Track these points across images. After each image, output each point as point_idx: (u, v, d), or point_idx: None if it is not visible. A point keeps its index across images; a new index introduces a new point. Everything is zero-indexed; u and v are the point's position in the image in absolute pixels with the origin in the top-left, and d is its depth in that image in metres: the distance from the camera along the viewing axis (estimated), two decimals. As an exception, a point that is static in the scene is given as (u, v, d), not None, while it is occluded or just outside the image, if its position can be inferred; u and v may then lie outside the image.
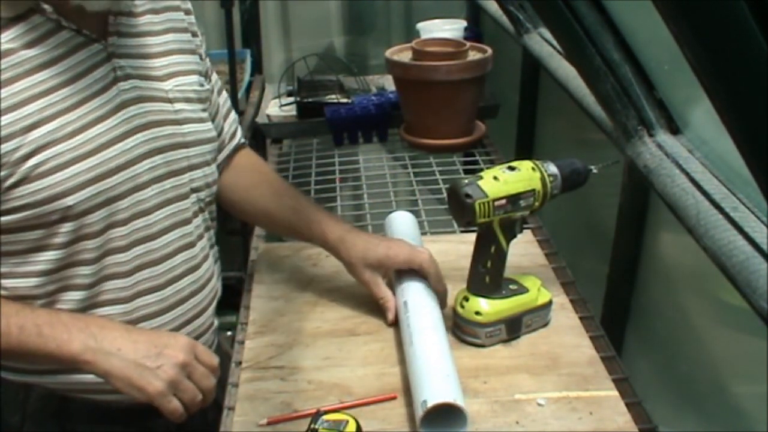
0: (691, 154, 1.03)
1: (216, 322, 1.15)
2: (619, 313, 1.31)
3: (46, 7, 0.87)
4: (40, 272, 0.92)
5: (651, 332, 1.28)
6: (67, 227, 0.90)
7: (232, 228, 2.57)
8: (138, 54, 0.96)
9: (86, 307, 0.95)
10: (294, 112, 1.86)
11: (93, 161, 0.89)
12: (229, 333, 2.37)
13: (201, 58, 1.09)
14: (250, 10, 2.40)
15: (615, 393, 0.95)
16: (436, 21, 1.97)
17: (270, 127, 1.88)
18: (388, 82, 1.95)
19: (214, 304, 1.13)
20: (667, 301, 1.22)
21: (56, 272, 0.92)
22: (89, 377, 0.95)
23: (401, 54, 1.70)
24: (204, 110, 1.06)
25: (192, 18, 1.08)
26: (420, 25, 1.95)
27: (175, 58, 1.01)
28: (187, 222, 1.02)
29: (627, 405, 0.93)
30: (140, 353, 0.86)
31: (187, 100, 1.01)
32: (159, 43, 1.00)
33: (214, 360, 0.90)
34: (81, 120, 0.89)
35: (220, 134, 1.13)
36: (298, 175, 1.69)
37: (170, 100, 0.98)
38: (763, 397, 0.89)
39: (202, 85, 1.06)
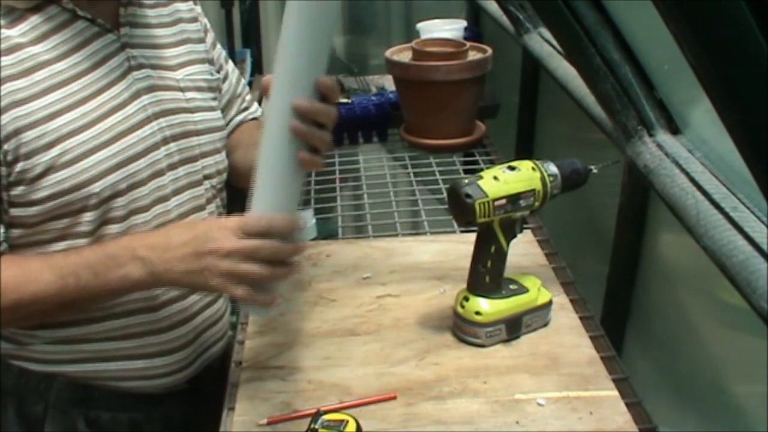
0: (691, 154, 1.03)
1: (229, 306, 1.16)
2: (619, 313, 1.31)
3: None
4: None
5: (651, 332, 1.28)
6: (91, 215, 0.91)
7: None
8: (149, 44, 0.98)
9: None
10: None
11: (115, 148, 0.91)
12: (229, 333, 2.39)
13: (211, 46, 1.11)
14: (250, 10, 2.40)
15: (615, 393, 0.95)
16: (436, 21, 1.97)
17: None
18: (388, 82, 1.95)
19: None
20: (667, 301, 1.22)
21: None
22: (112, 365, 0.98)
23: (401, 54, 1.70)
24: (214, 99, 1.07)
25: (199, 8, 1.10)
26: (420, 25, 1.95)
27: (185, 48, 1.03)
28: (201, 208, 1.03)
29: (627, 405, 0.93)
30: (188, 260, 0.83)
31: (198, 89, 1.02)
32: (169, 34, 1.01)
33: (262, 224, 0.82)
34: (100, 108, 0.90)
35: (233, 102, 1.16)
36: (298, 175, 1.69)
37: (182, 89, 1.00)
38: (763, 397, 0.89)
39: (212, 74, 1.07)
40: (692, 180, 0.96)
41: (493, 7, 1.94)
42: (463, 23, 2.00)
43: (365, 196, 1.59)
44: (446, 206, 1.04)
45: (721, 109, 0.53)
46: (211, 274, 0.82)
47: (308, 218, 1.45)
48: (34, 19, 0.87)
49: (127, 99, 0.93)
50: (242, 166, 1.08)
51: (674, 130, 1.09)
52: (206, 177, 1.04)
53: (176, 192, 0.99)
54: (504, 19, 1.84)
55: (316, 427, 0.85)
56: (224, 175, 1.10)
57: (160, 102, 0.97)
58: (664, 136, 1.09)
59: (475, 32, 2.16)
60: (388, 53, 1.69)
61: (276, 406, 0.94)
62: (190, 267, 0.83)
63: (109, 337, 0.98)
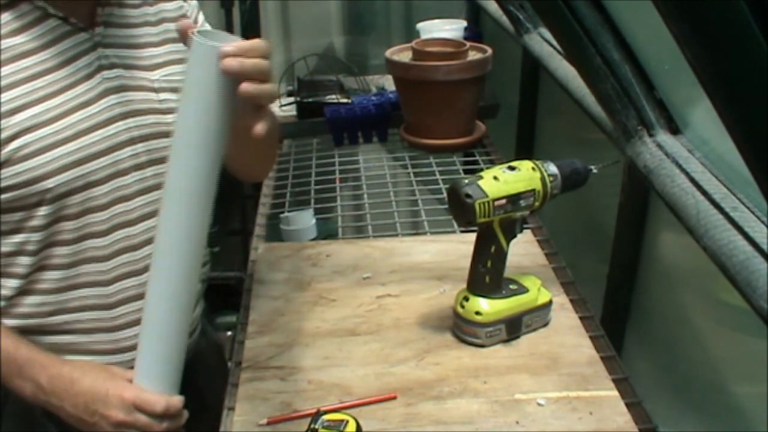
0: (691, 154, 1.03)
1: (199, 309, 1.15)
2: (619, 313, 1.31)
3: None
4: (19, 252, 0.94)
5: (651, 332, 1.28)
6: (45, 210, 0.92)
7: (232, 228, 2.58)
8: (126, 44, 0.98)
9: (65, 288, 0.96)
10: (294, 112, 1.86)
11: (74, 146, 0.91)
12: (229, 333, 2.39)
13: None
14: (250, 10, 2.40)
15: (615, 393, 0.95)
16: (436, 21, 1.97)
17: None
18: (388, 82, 1.95)
19: (199, 288, 1.12)
20: (667, 301, 1.22)
21: (35, 254, 0.94)
22: (66, 358, 0.97)
23: (401, 54, 1.70)
24: None
25: (189, 5, 1.08)
26: (420, 25, 1.95)
27: (166, 48, 1.02)
28: None
29: (627, 405, 0.93)
30: (80, 409, 0.89)
31: (174, 90, 1.01)
32: (152, 34, 1.01)
33: (159, 407, 0.87)
34: (64, 105, 0.91)
35: None
36: (298, 175, 1.69)
37: (155, 90, 0.99)
38: (763, 397, 0.89)
39: None
40: (692, 180, 0.96)
41: (493, 7, 1.94)
42: (463, 23, 2.00)
43: (365, 196, 1.59)
44: (446, 206, 1.04)
45: (721, 109, 0.53)
46: (95, 430, 0.88)
47: (308, 218, 1.45)
48: (5, 16, 0.88)
49: (93, 98, 0.93)
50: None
51: (674, 130, 1.09)
52: None
53: (141, 192, 0.98)
54: (504, 19, 1.84)
55: (316, 427, 0.85)
56: None
57: (130, 102, 0.96)
58: (664, 136, 1.09)
59: (475, 32, 2.16)
60: (388, 53, 1.69)
61: (276, 406, 0.94)
62: (81, 416, 0.89)
63: (63, 330, 0.98)
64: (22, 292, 0.95)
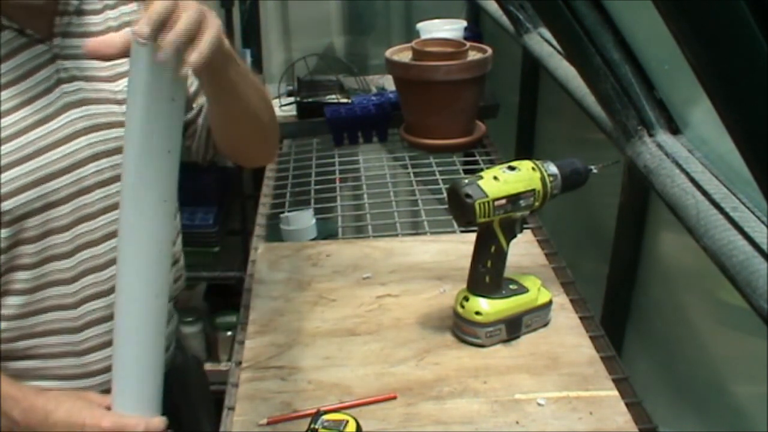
0: (691, 154, 1.03)
1: (172, 326, 1.11)
2: (619, 313, 1.31)
3: None
4: None
5: (651, 332, 1.28)
6: (3, 233, 0.87)
7: (232, 228, 2.58)
8: (85, 54, 0.92)
9: (29, 313, 0.92)
10: (294, 112, 1.86)
11: (33, 164, 0.87)
12: (229, 333, 2.39)
13: None
14: (250, 10, 2.40)
15: (615, 393, 0.95)
16: (436, 21, 1.96)
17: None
18: (388, 82, 1.94)
19: (171, 308, 1.08)
20: (667, 301, 1.22)
21: None
22: (33, 384, 0.94)
23: (401, 54, 1.70)
24: None
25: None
26: (420, 25, 1.94)
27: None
28: None
29: (627, 405, 0.93)
30: None
31: None
32: None
33: (139, 430, 0.83)
34: (21, 123, 0.87)
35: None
36: (298, 175, 1.69)
37: (119, 102, 0.93)
38: (763, 397, 0.89)
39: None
40: (692, 180, 0.96)
41: (493, 7, 1.94)
42: (463, 23, 2.00)
43: (365, 196, 1.59)
44: (446, 206, 1.04)
45: (721, 109, 0.53)
46: None
47: (308, 218, 1.45)
48: None
49: (53, 113, 0.89)
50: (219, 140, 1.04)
51: (674, 130, 1.09)
52: None
53: (106, 210, 0.94)
54: (504, 19, 1.84)
55: (316, 427, 0.85)
56: None
57: (92, 116, 0.92)
58: (664, 136, 1.09)
59: (475, 32, 2.16)
60: (388, 53, 1.69)
61: (276, 406, 0.94)
62: None
63: (29, 356, 0.94)
64: None
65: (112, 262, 0.93)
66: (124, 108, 0.91)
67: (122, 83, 0.94)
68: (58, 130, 0.89)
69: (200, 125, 1.07)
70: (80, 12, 0.92)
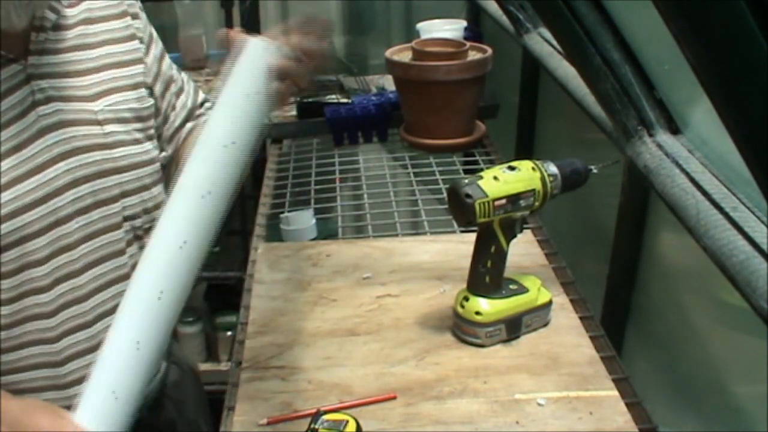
0: (691, 154, 1.03)
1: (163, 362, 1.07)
2: (619, 313, 1.31)
3: None
4: None
5: (651, 332, 1.28)
6: None
7: (232, 228, 2.58)
8: (63, 72, 0.87)
9: (8, 348, 0.88)
10: (294, 112, 1.86)
11: (6, 196, 0.82)
12: (229, 333, 2.39)
13: (154, 62, 0.99)
14: (250, 10, 2.40)
15: (615, 393, 0.95)
16: (436, 21, 1.96)
17: (270, 127, 1.88)
18: (388, 82, 1.94)
19: None
20: (667, 301, 1.22)
21: None
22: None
23: (401, 54, 1.70)
24: (144, 129, 0.95)
25: (140, 23, 0.98)
26: (420, 25, 1.94)
27: (110, 73, 0.92)
28: (120, 253, 0.93)
29: (627, 405, 0.93)
30: None
31: (120, 121, 0.91)
32: (91, 58, 0.90)
33: None
34: None
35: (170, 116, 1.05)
36: (298, 175, 1.69)
37: (99, 122, 0.89)
38: (763, 397, 0.89)
39: (142, 102, 0.95)
40: (692, 180, 0.96)
41: (493, 7, 1.94)
42: (463, 23, 2.00)
43: (365, 196, 1.59)
44: (446, 206, 1.04)
45: (721, 109, 0.53)
46: None
47: (308, 218, 1.45)
48: None
49: (28, 139, 0.83)
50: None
51: (674, 130, 1.09)
52: (127, 218, 0.93)
53: (85, 239, 0.89)
54: (504, 19, 1.84)
55: (316, 427, 0.85)
56: (154, 213, 0.95)
57: (71, 139, 0.86)
58: (664, 136, 1.09)
59: (475, 32, 2.16)
60: (388, 53, 1.69)
61: (276, 406, 0.94)
62: None
63: (10, 391, 0.85)
64: None
65: (96, 291, 0.91)
66: (105, 128, 0.88)
67: (102, 102, 0.90)
68: (33, 157, 0.84)
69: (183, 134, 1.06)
70: (57, 27, 0.87)
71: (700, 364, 1.13)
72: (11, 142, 0.82)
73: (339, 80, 2.00)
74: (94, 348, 0.90)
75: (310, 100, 1.85)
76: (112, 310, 0.84)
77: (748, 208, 0.88)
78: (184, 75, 1.09)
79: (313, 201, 1.56)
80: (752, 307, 0.77)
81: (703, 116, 1.03)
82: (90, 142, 0.88)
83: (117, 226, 0.92)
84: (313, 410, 0.89)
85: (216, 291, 2.52)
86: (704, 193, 0.93)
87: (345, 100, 1.85)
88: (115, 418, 0.73)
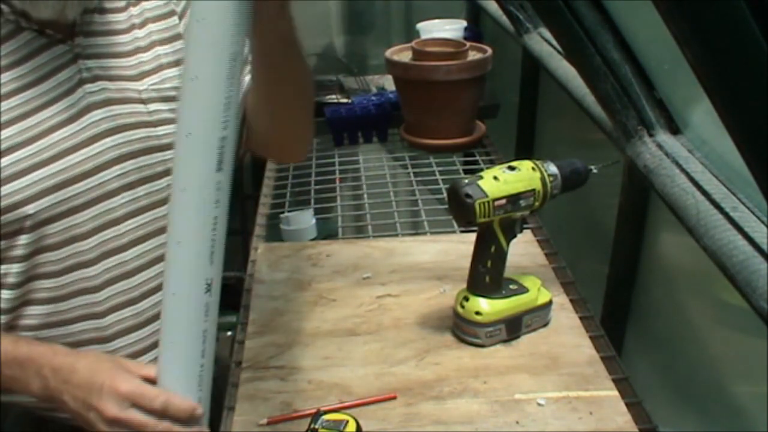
0: (691, 154, 1.03)
1: None
2: (619, 313, 1.31)
3: (2, 7, 0.82)
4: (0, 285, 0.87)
5: (651, 332, 1.28)
6: (26, 239, 0.85)
7: (232, 228, 2.58)
8: (109, 53, 0.91)
9: (54, 323, 0.91)
10: (294, 112, 1.86)
11: (55, 167, 0.85)
12: (229, 333, 2.39)
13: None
14: (250, 10, 2.40)
15: (615, 393, 0.95)
16: (436, 21, 1.97)
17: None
18: (388, 82, 1.94)
19: None
20: (667, 301, 1.22)
21: (18, 286, 0.88)
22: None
23: (401, 54, 1.70)
24: None
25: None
26: (420, 25, 1.95)
27: (153, 52, 0.94)
28: (164, 230, 0.93)
29: (627, 405, 0.93)
30: (78, 402, 0.80)
31: (165, 99, 0.94)
32: (136, 39, 0.93)
33: (156, 403, 0.76)
34: (42, 124, 0.85)
35: None
36: (298, 175, 1.69)
37: (143, 101, 0.92)
38: (763, 397, 0.89)
39: None
40: (692, 180, 0.96)
41: (493, 7, 1.94)
42: (463, 23, 2.00)
43: (365, 196, 1.59)
44: (446, 206, 1.04)
45: (721, 109, 0.53)
46: (94, 428, 0.78)
47: (308, 218, 1.45)
48: None
49: (75, 114, 0.87)
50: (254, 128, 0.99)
51: (674, 130, 1.09)
52: None
53: (131, 214, 0.92)
54: (504, 19, 1.84)
55: (316, 427, 0.85)
56: None
57: (116, 117, 0.90)
58: (664, 136, 1.09)
59: (475, 32, 2.16)
60: (388, 53, 1.69)
61: (276, 406, 0.94)
62: (78, 410, 0.79)
63: None
64: (6, 328, 0.89)
65: (142, 268, 0.94)
66: (149, 107, 0.92)
67: (147, 82, 0.93)
68: (81, 131, 0.87)
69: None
70: (102, 10, 0.91)
71: (700, 364, 1.13)
72: (61, 116, 0.86)
73: (339, 80, 2.00)
74: (141, 325, 0.95)
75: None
76: (159, 288, 0.86)
77: (748, 208, 0.88)
78: None
79: (313, 201, 1.56)
80: (752, 307, 0.77)
81: (703, 116, 1.03)
82: (134, 120, 0.91)
83: (162, 203, 0.93)
84: (313, 410, 0.89)
85: (216, 291, 2.52)
86: (704, 193, 0.93)
87: (345, 100, 1.85)
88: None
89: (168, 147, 0.93)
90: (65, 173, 0.86)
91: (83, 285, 0.90)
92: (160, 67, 0.95)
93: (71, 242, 0.88)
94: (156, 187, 0.94)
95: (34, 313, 0.90)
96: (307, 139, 1.10)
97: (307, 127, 1.05)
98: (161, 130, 0.93)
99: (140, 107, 0.92)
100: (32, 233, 0.86)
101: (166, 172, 0.93)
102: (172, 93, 0.95)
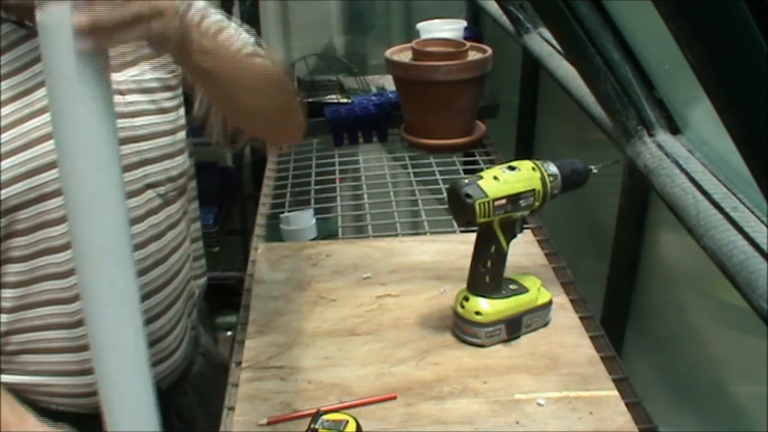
0: (691, 154, 1.03)
1: (189, 325, 1.10)
2: (619, 313, 1.31)
3: None
4: None
5: (651, 332, 1.28)
6: None
7: (232, 228, 2.58)
8: None
9: (23, 306, 0.92)
10: (294, 112, 1.86)
11: (26, 155, 0.86)
12: (229, 333, 2.39)
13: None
14: (250, 10, 2.40)
15: (615, 393, 0.95)
16: (436, 21, 1.97)
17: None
18: (388, 82, 1.95)
19: (182, 306, 1.08)
20: (667, 301, 1.22)
21: None
22: (38, 379, 0.94)
23: (401, 54, 1.70)
24: (174, 98, 1.00)
25: None
26: (420, 25, 1.95)
27: (135, 43, 0.95)
28: (139, 219, 0.96)
29: (627, 405, 0.93)
30: None
31: (145, 91, 0.95)
32: None
33: None
34: (15, 114, 0.86)
35: None
36: (298, 175, 1.69)
37: (121, 92, 0.92)
38: (763, 397, 0.89)
39: (173, 71, 0.99)
40: (692, 180, 0.96)
41: (493, 7, 1.94)
42: (463, 23, 2.00)
43: (365, 196, 1.59)
44: (446, 206, 1.03)
45: (721, 109, 0.53)
46: None
47: (308, 218, 1.45)
48: None
49: (47, 105, 0.86)
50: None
51: (674, 130, 1.09)
52: (149, 186, 0.97)
53: None
54: (504, 19, 1.84)
55: (316, 427, 0.85)
56: (180, 181, 1.02)
57: None
58: (664, 136, 1.09)
59: (475, 32, 2.16)
60: (388, 53, 1.69)
61: (276, 406, 0.94)
62: None
63: (30, 350, 0.94)
64: None
65: None
66: (127, 98, 0.93)
67: (125, 73, 0.94)
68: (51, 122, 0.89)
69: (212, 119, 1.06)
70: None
71: (700, 364, 1.13)
72: (33, 106, 0.86)
73: (339, 80, 2.00)
74: None
75: (310, 100, 1.86)
76: None
77: (748, 208, 0.88)
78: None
79: (313, 201, 1.56)
80: (752, 307, 0.77)
81: (703, 116, 1.03)
82: None
83: (138, 192, 0.95)
84: (313, 410, 0.89)
85: (216, 291, 2.52)
86: (704, 193, 0.93)
87: (345, 100, 1.85)
88: None
89: (143, 138, 0.96)
90: (35, 161, 0.87)
91: (53, 270, 0.92)
92: (141, 59, 0.95)
93: (41, 227, 0.89)
94: (131, 177, 0.95)
95: (7, 296, 0.92)
96: (295, 124, 1.10)
97: (289, 116, 1.06)
98: (138, 121, 0.95)
99: (117, 98, 0.90)
100: (3, 218, 0.87)
101: (141, 163, 0.95)
102: (155, 84, 0.97)
